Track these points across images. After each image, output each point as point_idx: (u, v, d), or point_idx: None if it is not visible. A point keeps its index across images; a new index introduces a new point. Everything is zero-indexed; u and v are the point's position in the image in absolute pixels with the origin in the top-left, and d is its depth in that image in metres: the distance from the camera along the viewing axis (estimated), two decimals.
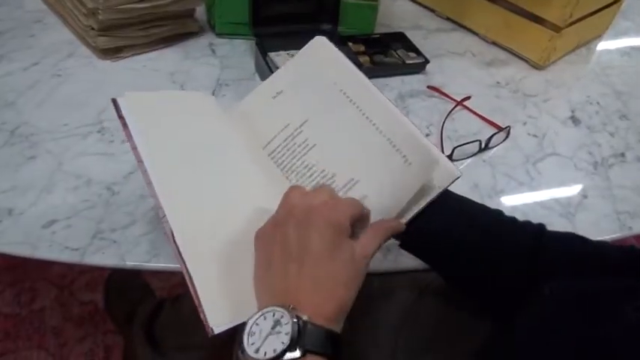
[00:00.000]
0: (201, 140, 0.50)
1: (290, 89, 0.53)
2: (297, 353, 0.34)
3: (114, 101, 0.47)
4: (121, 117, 0.46)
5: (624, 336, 0.34)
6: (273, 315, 0.36)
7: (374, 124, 0.49)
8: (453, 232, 0.48)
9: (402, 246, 0.50)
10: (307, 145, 0.51)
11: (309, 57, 0.54)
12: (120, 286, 1.17)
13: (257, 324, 0.36)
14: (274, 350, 0.34)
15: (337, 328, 0.38)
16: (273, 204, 0.43)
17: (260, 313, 0.36)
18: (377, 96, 0.50)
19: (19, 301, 1.29)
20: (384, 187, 0.47)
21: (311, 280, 0.38)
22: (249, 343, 0.36)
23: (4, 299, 1.29)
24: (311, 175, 0.49)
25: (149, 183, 0.44)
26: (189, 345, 0.91)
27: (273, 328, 0.35)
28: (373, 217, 0.45)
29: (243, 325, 0.37)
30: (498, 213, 0.50)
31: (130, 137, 0.45)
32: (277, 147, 0.52)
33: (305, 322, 0.35)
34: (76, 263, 0.53)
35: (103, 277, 1.33)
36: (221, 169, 0.49)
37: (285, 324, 0.35)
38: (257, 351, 0.35)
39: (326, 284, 0.38)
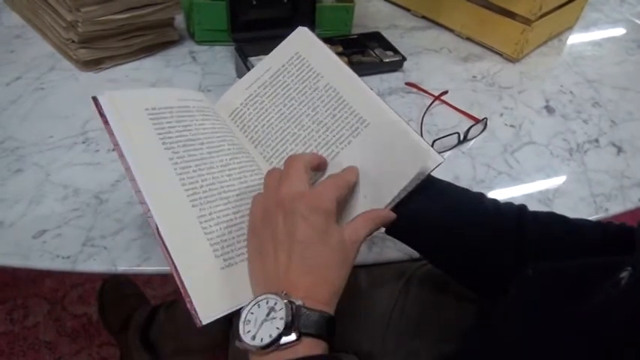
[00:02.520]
0: (184, 134, 0.50)
1: (273, 79, 0.54)
2: (292, 336, 0.35)
3: (94, 99, 0.47)
4: (102, 115, 0.46)
5: (604, 312, 0.35)
6: (267, 302, 0.37)
7: (358, 114, 0.50)
8: (437, 218, 0.48)
9: (388, 232, 0.50)
10: (292, 134, 0.52)
11: (291, 47, 0.55)
12: (114, 294, 1.17)
13: (252, 312, 0.37)
14: (270, 335, 0.36)
15: (330, 310, 0.39)
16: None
17: (254, 302, 0.38)
18: (358, 84, 0.51)
19: (12, 318, 1.29)
20: (370, 176, 0.48)
21: (301, 265, 0.39)
22: (245, 331, 0.37)
23: None
24: None
25: (132, 179, 0.44)
26: (185, 349, 0.92)
27: (267, 315, 0.36)
28: (364, 209, 0.47)
29: (238, 314, 0.38)
30: (480, 196, 0.51)
31: (111, 134, 0.46)
32: (261, 135, 0.53)
33: (298, 307, 0.36)
34: (68, 271, 0.54)
35: (95, 289, 1.33)
36: (203, 161, 0.49)
37: (280, 309, 0.36)
38: (253, 338, 0.36)
39: (316, 269, 0.39)
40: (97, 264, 0.55)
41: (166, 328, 0.97)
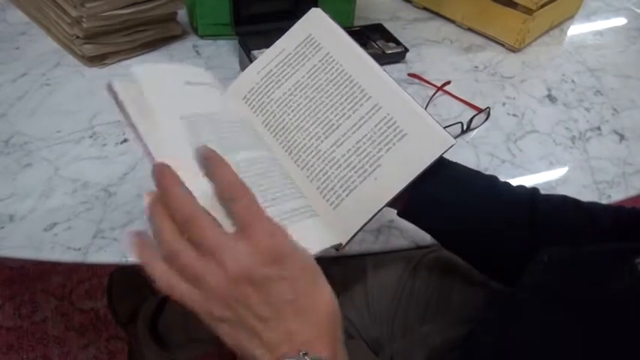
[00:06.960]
0: (198, 110, 0.48)
1: (285, 63, 0.54)
2: None
3: (108, 86, 0.45)
4: (116, 98, 0.46)
5: (621, 299, 0.35)
6: None
7: (371, 98, 0.49)
8: (450, 201, 0.48)
9: (400, 214, 0.50)
10: (304, 118, 0.51)
11: (304, 29, 0.54)
12: (122, 285, 1.18)
13: None
14: None
15: (340, 346, 0.36)
16: (273, 172, 0.45)
17: None
18: (373, 68, 0.50)
19: (20, 313, 1.30)
20: (381, 161, 0.48)
21: (300, 320, 0.35)
22: None
23: (4, 313, 1.30)
24: (306, 150, 0.50)
25: (149, 153, 0.42)
26: (194, 339, 0.92)
27: None
28: (376, 191, 0.46)
29: None
30: (493, 178, 0.51)
31: (127, 116, 0.44)
32: (273, 119, 0.53)
33: None
34: (80, 263, 0.55)
35: (102, 284, 1.34)
36: (219, 136, 0.47)
37: None
38: None
39: (313, 315, 0.35)
40: (107, 255, 0.56)
41: (175, 319, 0.98)
